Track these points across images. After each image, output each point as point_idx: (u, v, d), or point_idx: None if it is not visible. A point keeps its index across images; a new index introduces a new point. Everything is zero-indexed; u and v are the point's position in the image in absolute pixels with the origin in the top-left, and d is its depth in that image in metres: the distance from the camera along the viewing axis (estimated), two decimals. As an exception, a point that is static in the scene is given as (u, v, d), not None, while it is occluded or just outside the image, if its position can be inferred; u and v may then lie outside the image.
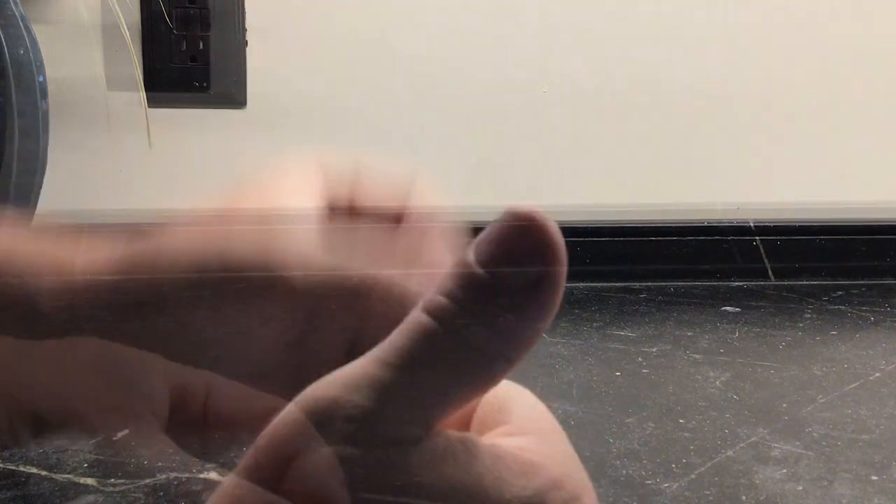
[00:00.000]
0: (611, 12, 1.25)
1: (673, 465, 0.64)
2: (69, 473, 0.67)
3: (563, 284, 0.21)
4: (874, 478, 0.62)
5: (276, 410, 0.23)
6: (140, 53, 1.20)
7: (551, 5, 1.24)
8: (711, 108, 1.28)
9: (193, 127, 1.24)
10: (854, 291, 1.22)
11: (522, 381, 0.86)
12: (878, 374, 0.86)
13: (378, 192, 0.29)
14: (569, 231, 1.26)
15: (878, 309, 1.13)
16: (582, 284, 1.25)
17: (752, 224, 1.28)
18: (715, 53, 1.27)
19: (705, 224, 1.28)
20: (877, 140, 1.30)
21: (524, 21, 1.25)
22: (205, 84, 1.22)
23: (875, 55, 1.28)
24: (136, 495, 0.64)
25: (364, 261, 0.26)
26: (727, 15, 1.26)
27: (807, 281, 1.28)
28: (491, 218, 0.20)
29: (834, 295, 1.20)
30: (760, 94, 1.28)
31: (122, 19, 1.16)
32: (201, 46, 1.20)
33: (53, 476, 0.67)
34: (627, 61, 1.26)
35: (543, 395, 0.85)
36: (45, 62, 1.00)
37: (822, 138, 1.30)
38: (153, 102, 1.20)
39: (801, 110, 1.29)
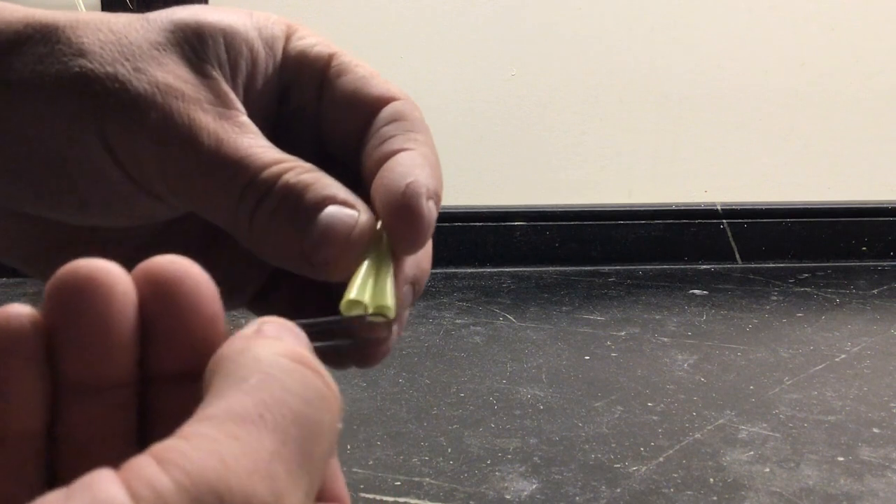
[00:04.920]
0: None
1: (641, 449, 0.64)
2: None
3: None
4: (840, 459, 0.63)
5: None
6: (100, 34, 1.17)
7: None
8: (681, 94, 1.28)
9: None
10: (820, 273, 1.23)
11: (492, 366, 0.86)
12: (843, 356, 0.86)
13: None
14: (536, 215, 1.25)
15: (843, 291, 1.14)
16: (551, 269, 1.25)
17: (719, 207, 1.29)
18: (679, 45, 1.27)
19: (673, 208, 1.28)
20: (845, 132, 1.31)
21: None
22: (167, 66, 1.19)
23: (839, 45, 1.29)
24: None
25: None
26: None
27: (773, 263, 1.29)
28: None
29: (800, 277, 1.21)
30: (728, 83, 1.28)
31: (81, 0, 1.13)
32: (163, 27, 1.18)
33: None
34: (595, 51, 1.26)
35: (512, 380, 0.84)
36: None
37: (791, 130, 1.31)
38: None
39: (771, 101, 1.29)
